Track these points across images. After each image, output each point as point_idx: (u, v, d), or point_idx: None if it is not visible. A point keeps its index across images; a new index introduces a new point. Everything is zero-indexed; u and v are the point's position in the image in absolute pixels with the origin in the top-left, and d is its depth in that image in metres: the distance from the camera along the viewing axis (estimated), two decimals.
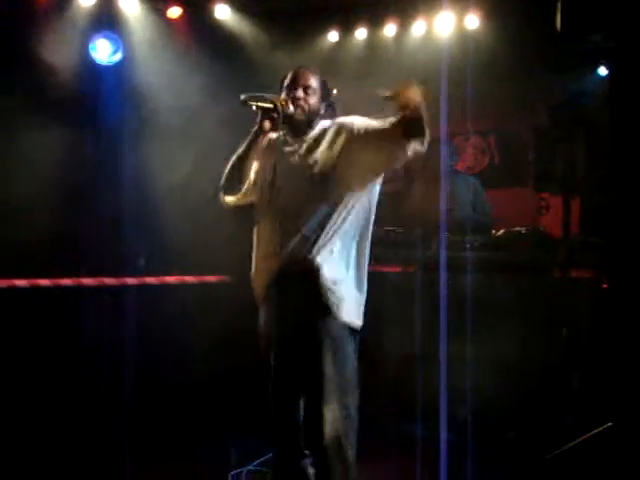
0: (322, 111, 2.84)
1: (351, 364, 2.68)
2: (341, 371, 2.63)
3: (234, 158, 2.84)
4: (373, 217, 2.81)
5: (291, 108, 2.74)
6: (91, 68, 5.52)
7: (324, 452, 2.60)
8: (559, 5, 4.62)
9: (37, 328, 4.83)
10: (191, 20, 5.80)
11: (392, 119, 2.64)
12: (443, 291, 3.41)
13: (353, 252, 2.73)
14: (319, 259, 2.64)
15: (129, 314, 4.83)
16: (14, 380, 4.44)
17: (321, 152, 2.74)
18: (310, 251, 2.65)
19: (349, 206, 2.72)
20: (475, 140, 6.86)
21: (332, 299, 2.64)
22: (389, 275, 5.14)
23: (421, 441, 3.88)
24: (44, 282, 5.10)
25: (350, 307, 2.69)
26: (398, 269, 5.23)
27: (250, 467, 3.62)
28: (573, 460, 2.78)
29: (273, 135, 2.91)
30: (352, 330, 2.70)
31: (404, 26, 6.06)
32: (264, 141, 2.89)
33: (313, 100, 2.82)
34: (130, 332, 4.71)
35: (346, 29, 6.23)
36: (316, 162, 2.73)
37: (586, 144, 5.24)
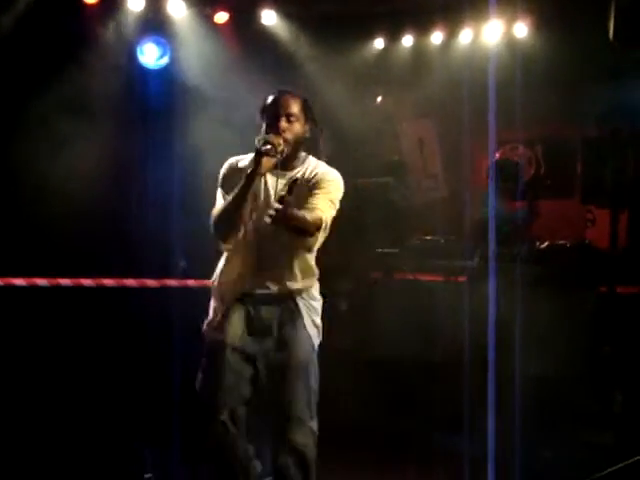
0: (307, 135, 2.84)
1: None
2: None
3: (230, 204, 2.74)
4: None
5: (282, 146, 2.70)
6: (139, 71, 5.60)
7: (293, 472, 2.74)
8: (611, 13, 4.52)
9: (80, 326, 4.92)
10: (238, 25, 5.83)
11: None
12: (492, 303, 3.36)
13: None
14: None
15: (170, 316, 4.87)
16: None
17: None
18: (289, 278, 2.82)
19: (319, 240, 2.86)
20: (521, 150, 6.75)
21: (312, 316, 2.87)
22: (431, 285, 5.10)
23: (451, 455, 3.83)
24: (87, 282, 5.18)
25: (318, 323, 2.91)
26: (440, 278, 5.18)
27: None
28: None
29: (242, 165, 2.86)
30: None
31: (451, 34, 6.00)
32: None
33: (297, 128, 2.80)
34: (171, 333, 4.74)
35: (392, 36, 6.20)
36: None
37: (635, 155, 5.12)
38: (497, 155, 5.70)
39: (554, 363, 4.14)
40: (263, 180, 2.79)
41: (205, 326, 2.92)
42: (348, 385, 4.51)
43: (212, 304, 2.92)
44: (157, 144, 5.35)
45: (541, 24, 5.60)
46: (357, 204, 5.52)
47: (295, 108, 2.80)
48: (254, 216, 2.79)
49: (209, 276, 3.03)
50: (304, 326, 2.83)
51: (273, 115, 2.78)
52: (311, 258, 2.89)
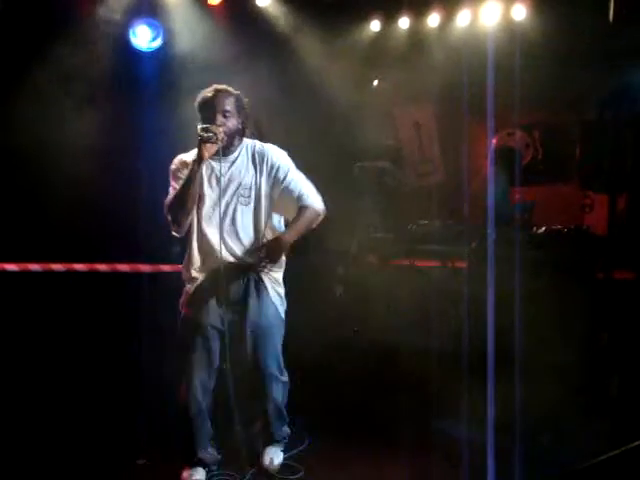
0: (240, 127, 3.25)
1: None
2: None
3: (181, 190, 3.15)
4: None
5: (221, 135, 3.12)
6: (131, 53, 5.51)
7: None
8: None
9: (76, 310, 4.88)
10: (231, 7, 5.74)
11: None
12: (491, 289, 3.32)
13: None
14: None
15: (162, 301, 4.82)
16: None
17: (255, 180, 3.26)
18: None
19: (273, 220, 3.32)
20: (519, 135, 6.69)
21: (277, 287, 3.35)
22: (427, 270, 5.06)
23: (448, 440, 3.80)
24: (80, 267, 5.13)
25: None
26: (437, 264, 5.13)
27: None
28: (609, 472, 2.68)
29: (186, 158, 3.27)
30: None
31: (448, 16, 5.92)
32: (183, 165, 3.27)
33: (232, 122, 3.21)
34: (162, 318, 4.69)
35: (389, 18, 6.12)
36: (248, 187, 3.25)
37: (635, 140, 5.07)
38: (494, 141, 5.65)
39: (549, 349, 4.10)
40: (210, 167, 3.22)
41: (180, 305, 3.32)
42: (343, 369, 4.49)
43: (185, 285, 3.32)
44: (149, 127, 5.27)
45: (540, 6, 5.52)
46: (355, 188, 5.49)
47: (229, 105, 3.19)
48: (209, 199, 3.22)
49: None
50: (269, 295, 3.27)
51: (211, 112, 3.16)
52: (271, 233, 3.28)
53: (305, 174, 3.35)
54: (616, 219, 5.14)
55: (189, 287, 3.29)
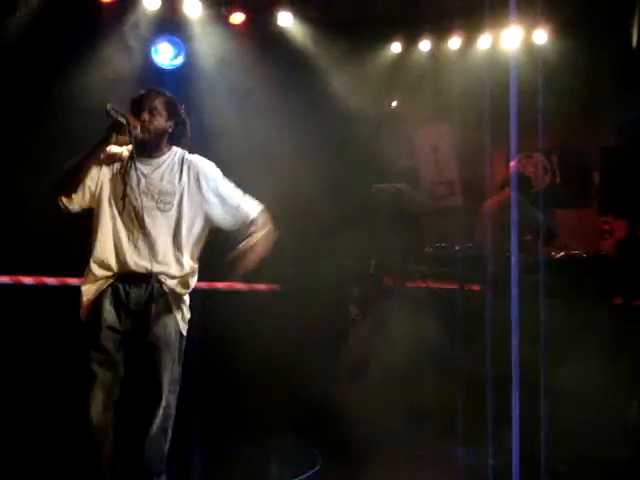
0: (170, 129, 3.12)
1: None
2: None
3: (74, 163, 3.03)
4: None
5: (138, 130, 3.00)
6: (153, 71, 5.55)
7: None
8: (636, 21, 4.45)
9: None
10: (254, 27, 5.78)
11: (249, 213, 3.16)
12: (514, 314, 3.29)
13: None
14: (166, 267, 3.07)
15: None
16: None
17: (179, 188, 3.10)
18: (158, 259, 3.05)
19: (194, 230, 3.14)
20: (537, 158, 6.67)
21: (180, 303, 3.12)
22: (443, 293, 5.03)
23: (465, 467, 3.76)
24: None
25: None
26: (454, 286, 5.10)
27: None
28: None
29: (117, 149, 3.12)
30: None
31: (469, 39, 5.94)
32: (106, 153, 3.10)
33: (158, 121, 3.08)
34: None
35: (410, 40, 6.14)
36: (167, 194, 3.08)
37: None
38: (512, 164, 5.63)
39: (569, 376, 4.05)
40: (134, 166, 3.06)
41: (81, 309, 3.06)
42: (364, 394, 4.44)
43: (84, 286, 3.06)
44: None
45: (562, 31, 5.53)
46: (372, 209, 5.48)
47: (158, 104, 3.08)
48: (129, 199, 3.04)
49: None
50: (171, 310, 3.06)
51: (138, 108, 3.05)
52: (189, 248, 3.12)
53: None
54: (635, 245, 5.09)
55: (90, 287, 3.05)
